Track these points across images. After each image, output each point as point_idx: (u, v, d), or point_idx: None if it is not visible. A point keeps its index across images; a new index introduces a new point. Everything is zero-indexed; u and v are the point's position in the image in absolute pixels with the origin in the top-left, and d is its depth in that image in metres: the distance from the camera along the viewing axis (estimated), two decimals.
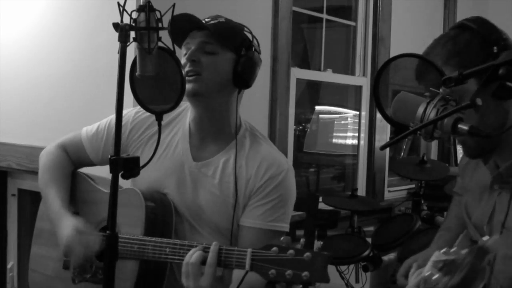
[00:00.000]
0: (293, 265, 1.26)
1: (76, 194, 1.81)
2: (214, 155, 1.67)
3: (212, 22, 1.63)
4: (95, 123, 1.83)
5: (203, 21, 1.63)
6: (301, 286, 1.27)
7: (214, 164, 1.66)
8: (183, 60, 1.62)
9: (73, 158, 1.83)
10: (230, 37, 1.63)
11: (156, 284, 1.60)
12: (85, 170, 1.88)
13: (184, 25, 1.61)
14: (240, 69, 1.62)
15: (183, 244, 1.46)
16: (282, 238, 1.30)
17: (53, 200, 1.73)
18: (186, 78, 1.59)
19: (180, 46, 1.67)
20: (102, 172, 1.74)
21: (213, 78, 1.61)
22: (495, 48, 1.25)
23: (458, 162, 1.66)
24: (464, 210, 1.54)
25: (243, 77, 1.63)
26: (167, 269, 1.60)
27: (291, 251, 1.27)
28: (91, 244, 1.60)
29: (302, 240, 1.29)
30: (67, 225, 1.64)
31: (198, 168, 1.67)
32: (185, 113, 1.74)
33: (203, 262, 1.38)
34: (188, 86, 1.58)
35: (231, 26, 1.66)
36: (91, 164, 1.83)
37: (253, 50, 1.66)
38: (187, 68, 1.60)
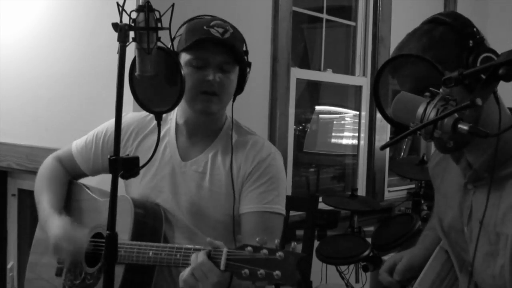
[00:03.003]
0: (265, 265, 1.26)
1: (72, 203, 1.83)
2: (202, 151, 1.70)
3: (226, 35, 1.62)
4: (83, 136, 1.86)
5: (218, 33, 1.61)
6: (273, 287, 1.27)
7: (203, 160, 1.69)
8: (196, 72, 1.61)
9: (68, 170, 1.87)
10: (242, 54, 1.67)
11: None
12: (88, 181, 1.90)
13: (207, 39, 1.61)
14: (242, 82, 1.69)
15: (165, 246, 1.47)
16: (257, 239, 1.30)
17: (44, 205, 1.76)
18: (204, 95, 1.61)
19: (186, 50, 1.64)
20: (101, 179, 1.76)
21: (228, 96, 1.67)
22: (471, 41, 1.25)
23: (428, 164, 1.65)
24: (436, 216, 1.53)
25: (242, 87, 1.70)
26: (154, 273, 1.60)
27: (264, 251, 1.27)
28: (78, 242, 1.62)
29: (277, 241, 1.29)
30: (55, 225, 1.66)
31: (188, 167, 1.69)
32: (169, 116, 1.76)
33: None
34: (206, 105, 1.62)
35: (239, 39, 1.68)
36: (85, 175, 1.87)
37: (247, 57, 1.70)
38: (207, 88, 1.61)
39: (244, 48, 1.69)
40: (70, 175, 1.86)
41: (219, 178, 1.67)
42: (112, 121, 1.77)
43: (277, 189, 1.67)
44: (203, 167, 1.68)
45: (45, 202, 1.76)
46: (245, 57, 1.68)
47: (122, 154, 1.68)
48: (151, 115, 1.66)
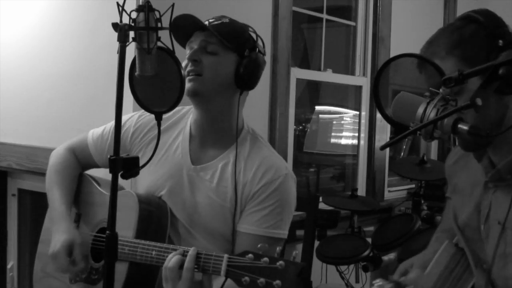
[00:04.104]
0: (266, 273, 1.25)
1: (80, 196, 1.83)
2: (213, 158, 1.67)
3: (215, 22, 1.63)
4: (101, 126, 1.84)
5: (207, 22, 1.63)
6: None
7: (212, 168, 1.66)
8: (185, 61, 1.62)
9: (80, 160, 1.86)
10: (233, 37, 1.62)
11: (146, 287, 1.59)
12: (94, 172, 1.89)
13: (186, 26, 1.62)
14: (242, 71, 1.61)
15: (168, 247, 1.46)
16: (259, 246, 1.29)
17: (57, 203, 1.75)
18: (187, 77, 1.60)
19: (184, 46, 1.67)
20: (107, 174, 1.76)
21: (214, 78, 1.61)
22: (500, 41, 1.24)
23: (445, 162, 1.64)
24: (452, 213, 1.52)
25: (245, 79, 1.62)
26: (158, 272, 1.59)
27: (265, 259, 1.26)
28: (68, 265, 1.62)
29: (278, 249, 1.29)
30: (62, 231, 1.65)
31: (197, 171, 1.67)
32: (187, 116, 1.75)
33: (182, 266, 1.38)
34: (188, 86, 1.59)
35: (234, 27, 1.65)
36: (97, 166, 1.85)
37: (257, 51, 1.65)
38: (188, 68, 1.60)
39: (248, 38, 1.65)
40: (81, 166, 1.85)
41: (225, 190, 1.63)
42: (132, 115, 1.80)
43: (281, 213, 1.61)
44: (211, 176, 1.65)
45: (58, 199, 1.75)
46: (246, 46, 1.63)
47: (137, 148, 1.73)
48: (168, 113, 1.68)
